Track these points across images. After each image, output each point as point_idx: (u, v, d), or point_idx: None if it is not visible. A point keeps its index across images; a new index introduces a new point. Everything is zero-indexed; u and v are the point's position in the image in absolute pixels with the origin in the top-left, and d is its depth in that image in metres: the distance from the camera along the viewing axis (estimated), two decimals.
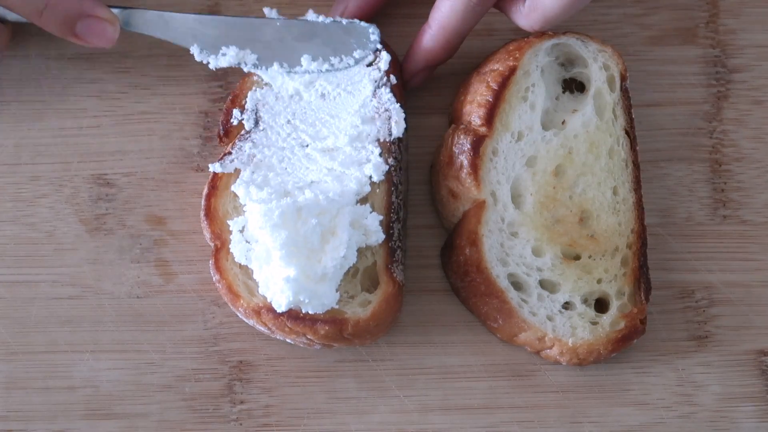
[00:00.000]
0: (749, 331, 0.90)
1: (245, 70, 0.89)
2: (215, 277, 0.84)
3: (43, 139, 0.91)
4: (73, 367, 0.88)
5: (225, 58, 0.88)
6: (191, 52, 0.88)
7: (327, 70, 0.88)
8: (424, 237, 0.90)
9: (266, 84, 0.89)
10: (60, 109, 0.92)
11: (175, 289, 0.89)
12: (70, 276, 0.89)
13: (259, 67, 0.88)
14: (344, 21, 0.89)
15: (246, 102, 0.88)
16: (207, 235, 0.86)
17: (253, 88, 0.89)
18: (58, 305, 0.89)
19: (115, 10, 0.88)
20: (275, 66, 0.88)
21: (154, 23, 0.88)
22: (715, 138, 0.93)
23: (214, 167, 0.86)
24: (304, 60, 0.88)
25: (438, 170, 0.89)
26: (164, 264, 0.89)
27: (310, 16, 0.90)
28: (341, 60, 0.88)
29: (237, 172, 0.86)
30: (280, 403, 0.88)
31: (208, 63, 0.88)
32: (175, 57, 0.93)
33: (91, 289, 0.89)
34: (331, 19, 0.89)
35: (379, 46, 0.88)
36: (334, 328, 0.82)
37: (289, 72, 0.88)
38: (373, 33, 0.88)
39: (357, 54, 0.88)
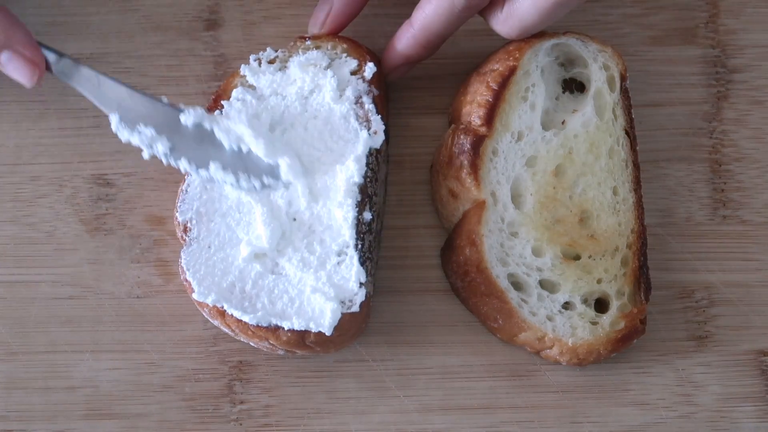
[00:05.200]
0: (749, 331, 0.90)
1: (155, 154, 0.85)
2: (182, 276, 0.84)
3: (43, 139, 0.91)
4: (73, 367, 0.88)
5: (138, 137, 0.84)
6: (109, 119, 0.84)
7: (230, 183, 0.84)
8: (424, 237, 0.90)
9: (250, 86, 0.88)
10: (60, 109, 0.92)
11: (175, 289, 0.89)
12: (70, 276, 0.89)
13: (168, 157, 0.84)
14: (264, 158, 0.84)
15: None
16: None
17: (238, 87, 0.88)
18: (58, 305, 0.89)
19: (49, 54, 0.84)
20: (183, 161, 0.84)
21: (86, 80, 0.85)
22: (715, 138, 0.93)
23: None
24: (213, 166, 0.84)
25: (438, 170, 0.89)
26: (164, 264, 0.89)
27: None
28: (248, 179, 0.84)
29: None
30: (280, 403, 0.88)
31: (118, 134, 0.84)
32: (175, 57, 0.93)
33: (91, 289, 0.89)
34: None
35: (288, 179, 0.84)
36: (296, 335, 0.81)
37: (196, 171, 0.84)
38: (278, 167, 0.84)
39: (265, 180, 0.84)
